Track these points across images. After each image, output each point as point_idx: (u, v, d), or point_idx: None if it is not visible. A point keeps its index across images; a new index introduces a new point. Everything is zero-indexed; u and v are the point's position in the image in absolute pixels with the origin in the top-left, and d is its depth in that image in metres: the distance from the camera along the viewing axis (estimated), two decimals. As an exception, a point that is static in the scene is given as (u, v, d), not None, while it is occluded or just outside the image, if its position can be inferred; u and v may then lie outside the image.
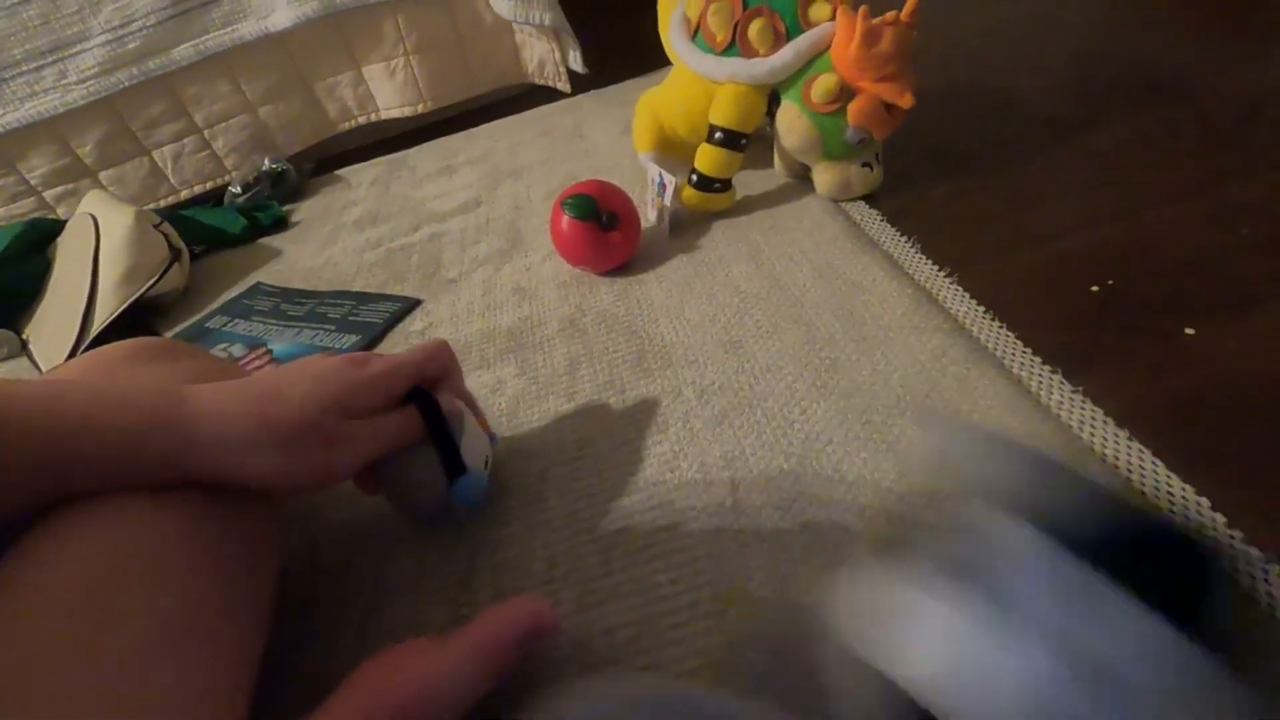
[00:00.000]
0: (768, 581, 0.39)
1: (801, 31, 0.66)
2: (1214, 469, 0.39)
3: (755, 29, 0.66)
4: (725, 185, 0.72)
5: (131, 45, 1.08)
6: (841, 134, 0.66)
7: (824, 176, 0.71)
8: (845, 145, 0.68)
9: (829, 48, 0.65)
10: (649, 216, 0.76)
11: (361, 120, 1.26)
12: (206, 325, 0.84)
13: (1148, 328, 0.49)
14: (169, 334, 0.86)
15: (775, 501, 0.43)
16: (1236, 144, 0.65)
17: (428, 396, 0.41)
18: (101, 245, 0.88)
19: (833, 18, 0.65)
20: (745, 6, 0.66)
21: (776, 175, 0.79)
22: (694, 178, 0.72)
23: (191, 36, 1.10)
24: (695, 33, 0.70)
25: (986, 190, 0.68)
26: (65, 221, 0.98)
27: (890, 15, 0.61)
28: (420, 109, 1.24)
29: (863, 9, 0.61)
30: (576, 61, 1.20)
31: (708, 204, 0.73)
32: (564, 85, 1.25)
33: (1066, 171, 0.68)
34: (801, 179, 0.75)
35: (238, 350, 0.77)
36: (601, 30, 1.28)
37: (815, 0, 0.66)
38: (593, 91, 1.23)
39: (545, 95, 1.28)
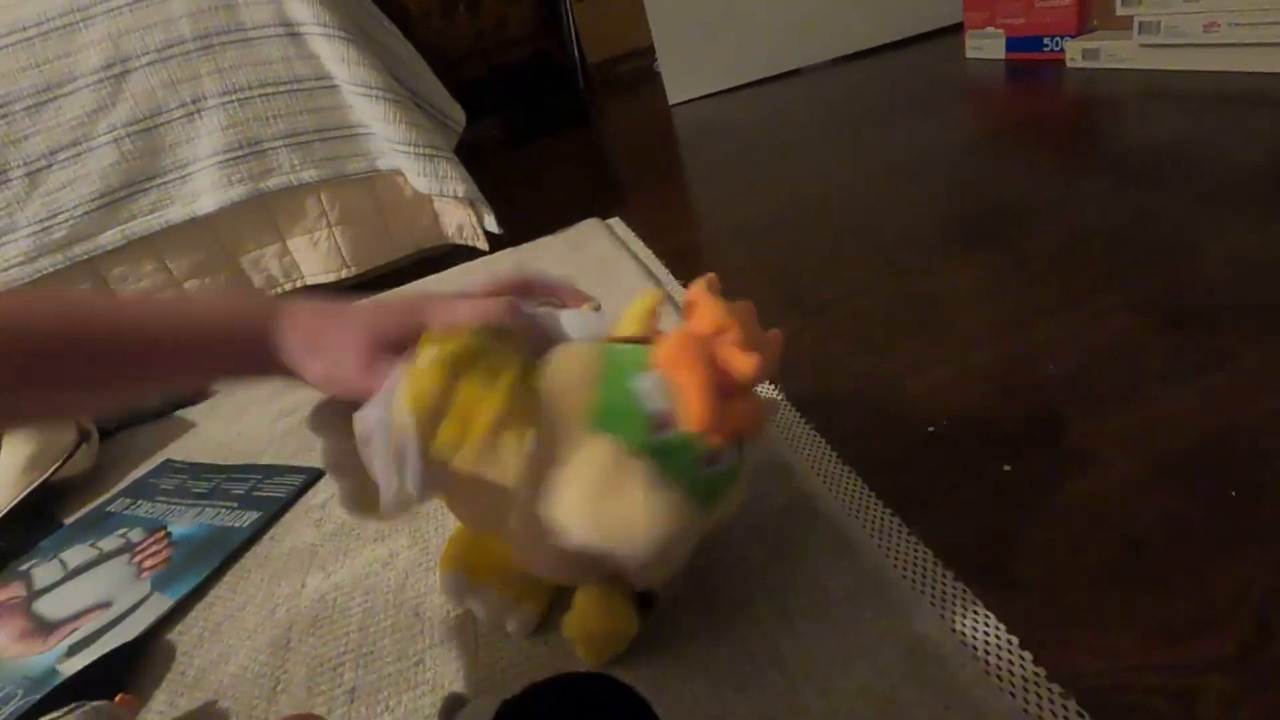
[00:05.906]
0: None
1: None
2: (1025, 604, 0.43)
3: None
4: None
5: (58, 234, 1.13)
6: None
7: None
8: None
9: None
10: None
11: (287, 287, 1.32)
12: (108, 509, 0.84)
13: (972, 466, 0.54)
14: (69, 520, 0.85)
15: None
16: (1044, 285, 0.74)
17: None
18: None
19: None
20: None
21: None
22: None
23: (118, 223, 1.16)
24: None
25: (842, 336, 0.76)
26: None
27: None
28: (344, 274, 1.31)
29: None
30: (492, 224, 1.30)
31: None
32: (482, 244, 1.34)
33: (908, 316, 0.76)
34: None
35: (136, 535, 0.76)
36: (512, 195, 1.40)
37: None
38: (509, 249, 1.33)
39: (466, 253, 1.36)
